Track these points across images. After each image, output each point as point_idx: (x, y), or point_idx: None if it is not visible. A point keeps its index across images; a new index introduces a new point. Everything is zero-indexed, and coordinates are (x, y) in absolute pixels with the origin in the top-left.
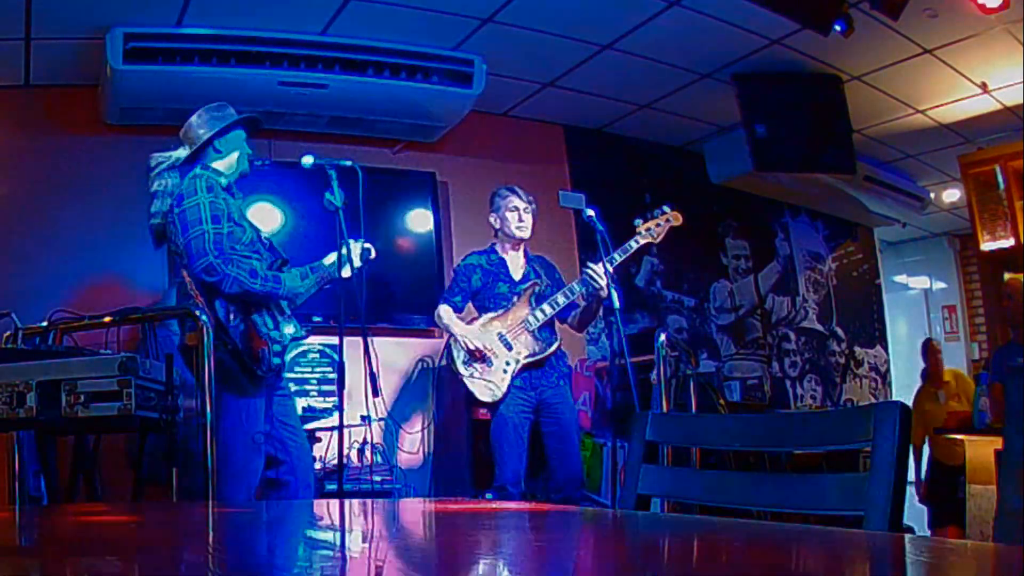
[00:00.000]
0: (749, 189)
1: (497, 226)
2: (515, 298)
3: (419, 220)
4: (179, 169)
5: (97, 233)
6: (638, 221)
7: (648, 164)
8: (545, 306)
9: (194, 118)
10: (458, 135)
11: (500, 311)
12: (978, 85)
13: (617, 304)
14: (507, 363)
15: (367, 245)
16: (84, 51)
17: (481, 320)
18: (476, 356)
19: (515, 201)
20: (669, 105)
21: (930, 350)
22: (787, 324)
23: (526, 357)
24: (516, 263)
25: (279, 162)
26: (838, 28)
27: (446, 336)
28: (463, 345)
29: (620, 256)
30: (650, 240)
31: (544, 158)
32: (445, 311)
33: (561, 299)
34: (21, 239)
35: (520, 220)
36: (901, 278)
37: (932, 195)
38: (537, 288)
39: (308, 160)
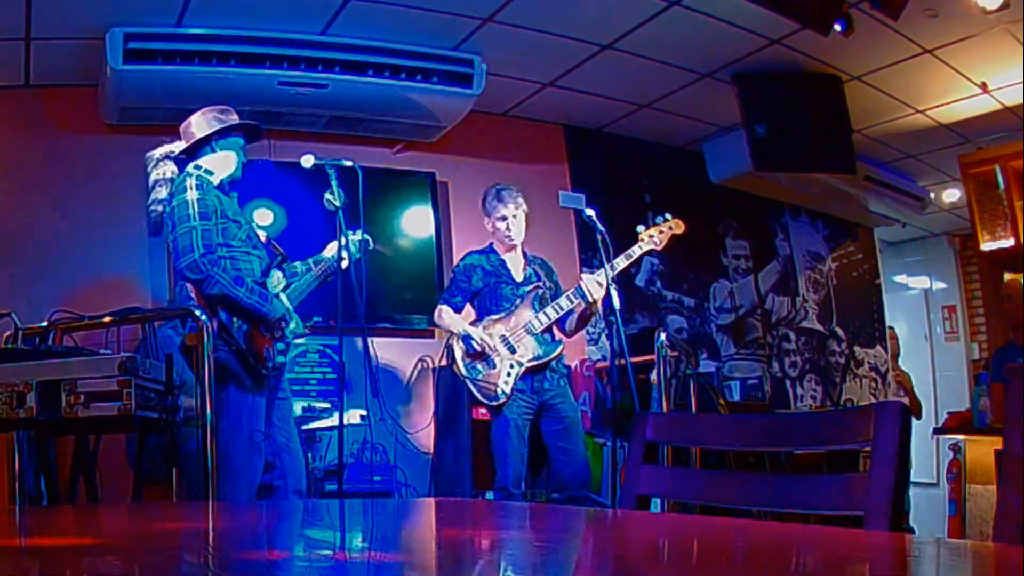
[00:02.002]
0: (749, 189)
1: (491, 230)
2: (518, 300)
3: (419, 220)
4: (174, 159)
5: (97, 233)
6: (640, 228)
7: (648, 164)
8: (549, 310)
9: (197, 115)
10: (458, 135)
11: (503, 313)
12: (978, 85)
13: (617, 304)
14: (511, 366)
15: (365, 236)
16: (84, 51)
17: (483, 322)
18: (479, 356)
19: (501, 209)
20: (669, 105)
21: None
22: (787, 324)
23: (530, 360)
24: (517, 264)
25: (279, 162)
26: (838, 28)
27: (446, 337)
28: (470, 341)
29: (622, 263)
30: (652, 247)
31: (544, 158)
32: (446, 311)
33: (565, 303)
34: (21, 239)
35: (508, 229)
36: (901, 278)
37: (932, 195)
38: (540, 291)
39: (308, 160)
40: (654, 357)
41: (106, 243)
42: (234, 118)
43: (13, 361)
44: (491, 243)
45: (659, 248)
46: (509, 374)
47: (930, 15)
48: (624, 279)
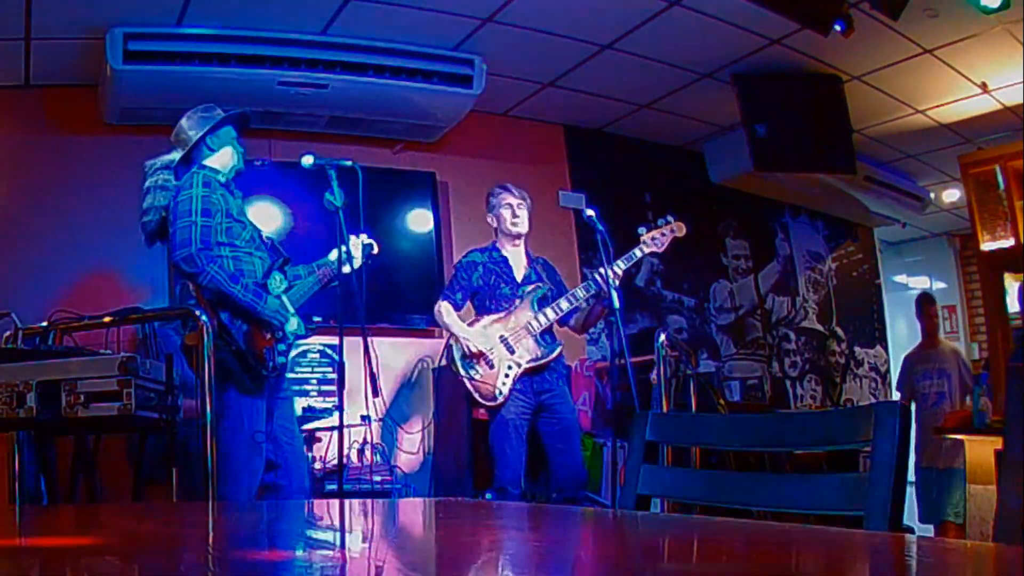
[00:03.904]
0: (749, 189)
1: (494, 224)
2: (518, 300)
3: (419, 220)
4: (174, 170)
5: (97, 233)
6: (642, 230)
7: (648, 164)
8: (548, 311)
9: (184, 120)
10: (458, 135)
11: (502, 313)
12: (978, 85)
13: (617, 304)
14: (509, 367)
15: (369, 241)
16: (84, 51)
17: (483, 321)
18: (478, 356)
19: (508, 198)
20: (669, 105)
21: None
22: (787, 324)
23: (528, 361)
24: (519, 263)
25: (279, 162)
26: (838, 28)
27: (446, 335)
28: (465, 348)
29: (623, 264)
30: (653, 249)
31: (544, 158)
32: (446, 308)
33: (564, 304)
34: (21, 239)
35: (515, 216)
36: (901, 278)
37: (932, 195)
38: (540, 291)
39: (308, 160)
40: (654, 357)
41: (106, 243)
42: (219, 113)
43: (13, 361)
44: (494, 241)
45: (660, 251)
46: (507, 375)
47: (930, 15)
48: (624, 279)
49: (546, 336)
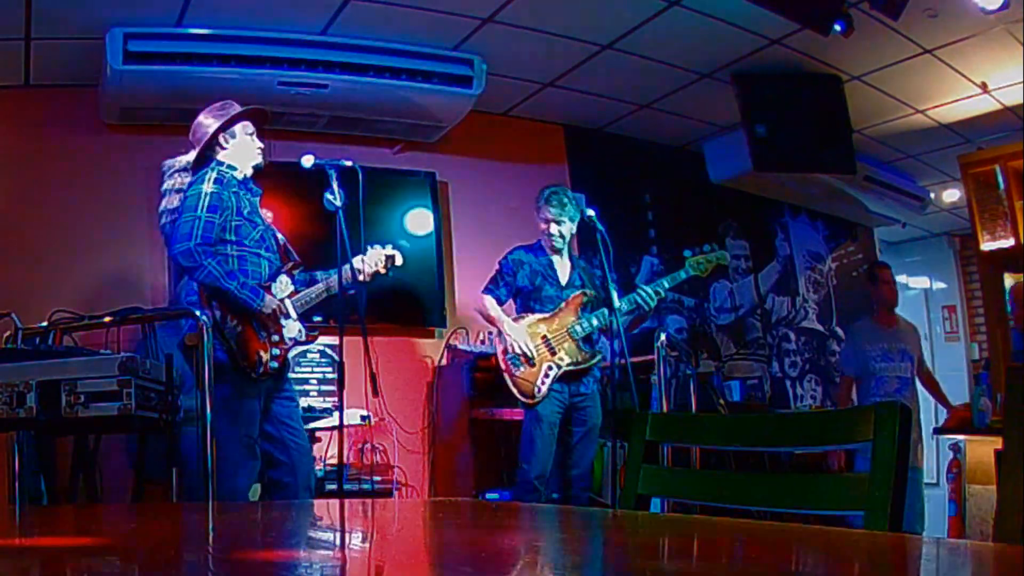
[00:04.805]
0: (749, 189)
1: (543, 227)
2: (562, 303)
3: (419, 220)
4: (191, 170)
5: (97, 233)
6: (687, 252)
7: (648, 164)
8: (593, 318)
9: (200, 117)
10: (458, 135)
11: (547, 313)
12: (978, 85)
13: (618, 304)
14: (549, 367)
15: (392, 252)
16: (84, 51)
17: (527, 320)
18: (522, 356)
19: (551, 213)
20: (669, 105)
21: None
22: (787, 324)
23: (568, 365)
24: (563, 266)
25: (279, 162)
26: (838, 28)
27: (494, 328)
28: (511, 346)
29: (669, 283)
30: (697, 274)
31: (544, 158)
32: (490, 303)
33: (607, 314)
34: (21, 239)
35: (554, 234)
36: (901, 278)
37: (932, 195)
38: (585, 298)
39: (308, 160)
40: (654, 357)
41: (106, 243)
42: (235, 109)
43: (13, 361)
44: (539, 240)
45: (703, 276)
46: (547, 375)
47: (930, 15)
48: (624, 279)
49: (587, 342)
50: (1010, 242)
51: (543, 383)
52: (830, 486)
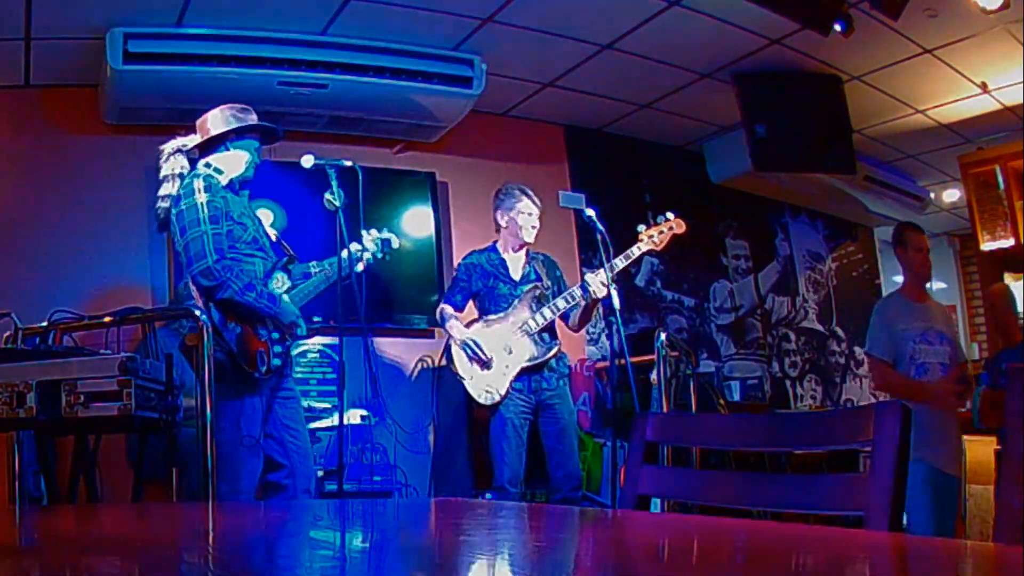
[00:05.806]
0: (749, 189)
1: (504, 225)
2: (516, 300)
3: (419, 220)
4: (186, 154)
5: (97, 233)
6: (641, 227)
7: (648, 164)
8: (545, 310)
9: (216, 111)
10: (458, 135)
11: (501, 313)
12: (978, 85)
13: (617, 304)
14: (506, 366)
15: (388, 235)
16: (84, 51)
17: (481, 322)
18: (474, 360)
19: (530, 206)
20: (669, 105)
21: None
22: (787, 324)
23: (526, 360)
24: (517, 263)
25: (279, 162)
26: (838, 28)
27: (445, 337)
28: (461, 350)
29: (621, 263)
30: (652, 247)
31: (544, 158)
32: (447, 311)
33: (561, 303)
34: (21, 239)
35: (532, 227)
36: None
37: (932, 195)
38: (538, 291)
39: (308, 160)
40: (654, 357)
41: (106, 243)
42: (252, 118)
43: (13, 361)
44: (494, 242)
45: (659, 248)
46: (505, 374)
47: (930, 15)
48: (624, 279)
49: (544, 335)
50: (1010, 242)
51: (502, 383)
52: (830, 486)
